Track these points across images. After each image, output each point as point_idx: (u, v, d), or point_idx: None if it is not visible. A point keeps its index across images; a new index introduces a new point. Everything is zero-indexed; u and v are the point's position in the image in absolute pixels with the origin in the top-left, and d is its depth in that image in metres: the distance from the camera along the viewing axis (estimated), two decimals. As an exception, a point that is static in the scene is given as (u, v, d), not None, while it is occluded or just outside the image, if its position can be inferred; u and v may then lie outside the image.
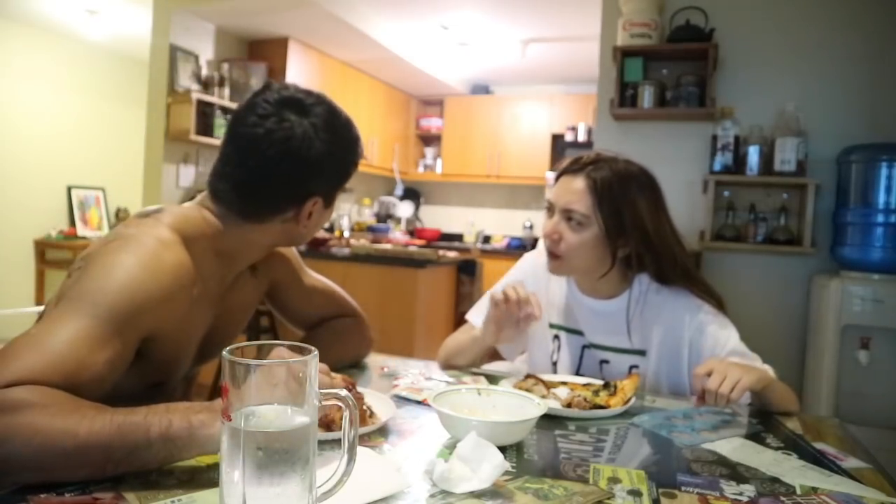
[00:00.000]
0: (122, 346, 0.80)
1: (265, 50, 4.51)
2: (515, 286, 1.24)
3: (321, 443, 0.79)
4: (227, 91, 4.19)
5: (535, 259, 1.48)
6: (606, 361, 1.37)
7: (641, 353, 1.34)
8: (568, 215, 1.27)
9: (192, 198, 1.03)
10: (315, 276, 1.32)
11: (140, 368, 0.88)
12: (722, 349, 1.27)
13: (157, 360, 0.90)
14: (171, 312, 0.87)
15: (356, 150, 1.03)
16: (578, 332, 1.40)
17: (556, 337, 1.43)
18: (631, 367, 1.34)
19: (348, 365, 1.32)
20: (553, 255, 1.30)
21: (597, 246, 1.27)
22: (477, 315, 1.48)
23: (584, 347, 1.39)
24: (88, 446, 0.67)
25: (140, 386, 0.91)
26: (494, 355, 1.51)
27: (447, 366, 1.42)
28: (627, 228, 1.26)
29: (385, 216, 5.90)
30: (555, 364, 1.42)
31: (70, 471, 0.68)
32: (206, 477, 0.73)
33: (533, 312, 1.21)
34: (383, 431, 0.94)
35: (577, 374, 1.38)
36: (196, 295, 0.93)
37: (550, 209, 1.32)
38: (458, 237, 6.34)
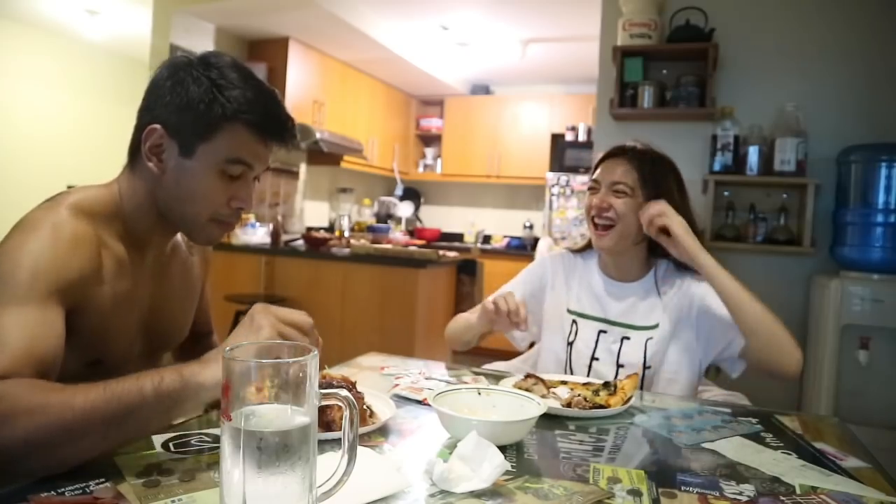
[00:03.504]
0: (57, 313, 0.82)
1: (265, 50, 4.51)
2: (506, 297, 1.30)
3: (321, 443, 0.79)
4: (226, 91, 4.18)
5: (554, 258, 1.61)
6: (628, 338, 1.45)
7: (657, 326, 1.44)
8: (614, 187, 1.42)
9: None
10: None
11: (73, 343, 0.88)
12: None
13: (88, 332, 0.90)
14: (85, 279, 0.87)
15: (220, 91, 0.90)
16: (595, 319, 1.49)
17: (574, 322, 1.51)
18: (647, 340, 1.42)
19: None
20: (602, 228, 1.43)
21: (638, 212, 1.41)
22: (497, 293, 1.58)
23: (600, 332, 1.47)
24: (87, 415, 0.70)
25: (78, 364, 0.91)
26: (496, 354, 1.59)
27: (451, 346, 1.54)
28: (660, 197, 1.41)
29: (385, 216, 5.90)
30: (570, 344, 1.50)
31: (73, 444, 0.70)
32: (206, 477, 0.73)
33: (519, 324, 1.28)
34: (383, 431, 0.94)
35: (593, 357, 1.46)
36: (111, 265, 0.92)
37: (594, 188, 1.46)
38: (459, 237, 6.34)
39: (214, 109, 0.90)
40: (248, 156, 0.94)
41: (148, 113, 0.93)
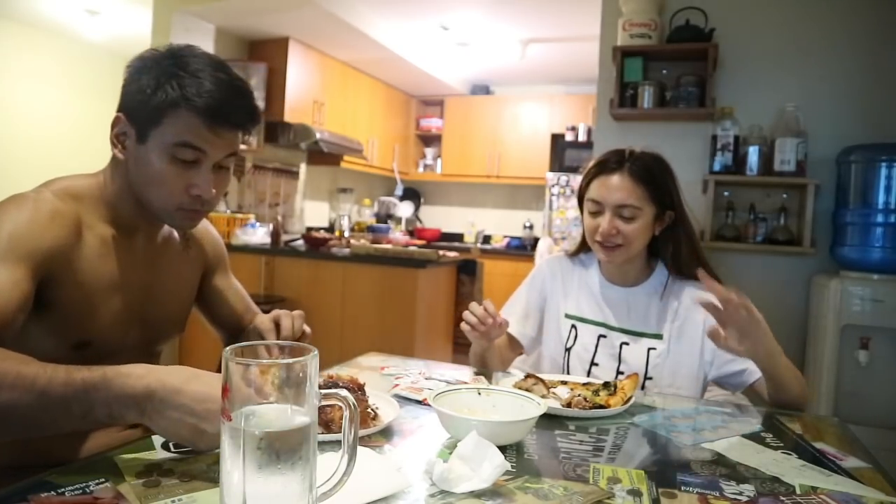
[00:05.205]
0: (24, 276, 0.84)
1: (265, 50, 4.50)
2: (472, 310, 1.30)
3: (321, 443, 0.79)
4: (226, 91, 4.18)
5: (551, 263, 1.59)
6: (626, 343, 1.43)
7: (660, 336, 1.41)
8: (621, 212, 1.36)
9: None
10: (234, 278, 1.31)
11: (55, 318, 0.90)
12: None
13: (70, 309, 0.92)
14: (59, 251, 0.90)
15: (169, 79, 0.91)
16: (596, 323, 1.47)
17: (574, 327, 1.49)
18: (649, 350, 1.40)
19: None
20: (610, 248, 1.38)
21: (647, 228, 1.39)
22: (504, 310, 1.56)
23: (600, 337, 1.45)
24: (6, 407, 0.71)
25: (65, 345, 0.92)
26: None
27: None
28: (666, 206, 1.39)
29: (385, 216, 5.90)
30: (568, 350, 1.47)
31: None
32: (206, 477, 0.73)
33: (496, 326, 1.29)
34: (384, 432, 0.94)
35: (593, 362, 1.44)
36: (95, 244, 0.96)
37: (596, 210, 1.39)
38: (459, 237, 6.34)
39: (159, 95, 0.91)
40: (196, 140, 0.94)
41: (119, 103, 0.97)
